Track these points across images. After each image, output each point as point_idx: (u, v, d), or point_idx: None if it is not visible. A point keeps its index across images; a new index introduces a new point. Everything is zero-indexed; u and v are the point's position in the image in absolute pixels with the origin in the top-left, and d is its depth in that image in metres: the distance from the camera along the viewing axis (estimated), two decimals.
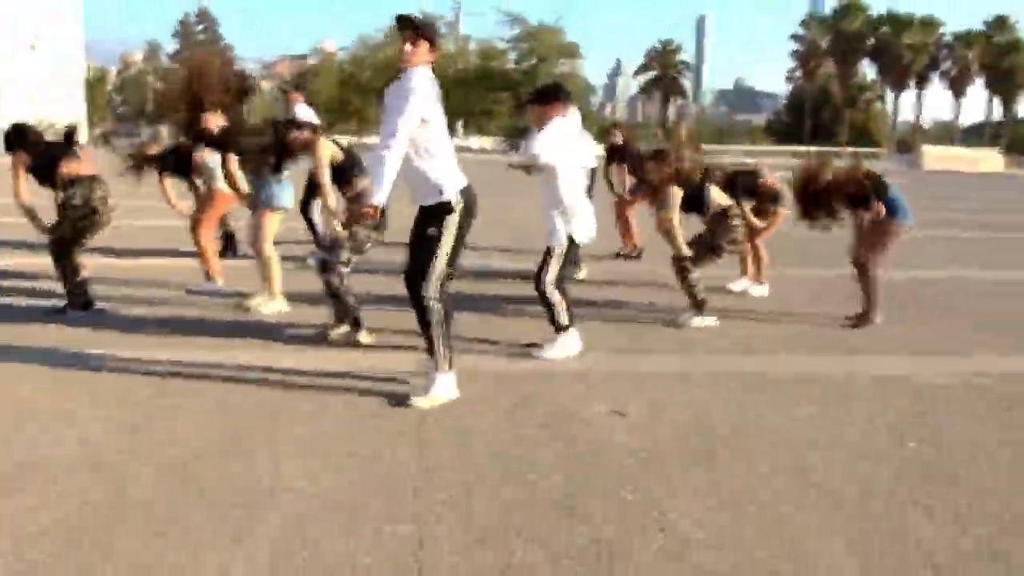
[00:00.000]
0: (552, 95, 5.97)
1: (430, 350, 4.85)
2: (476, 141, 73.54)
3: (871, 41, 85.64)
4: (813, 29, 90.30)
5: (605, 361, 5.86)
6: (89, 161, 6.89)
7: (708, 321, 7.03)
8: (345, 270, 6.09)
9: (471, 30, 76.94)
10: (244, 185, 7.46)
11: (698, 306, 7.08)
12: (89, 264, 7.07)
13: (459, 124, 77.59)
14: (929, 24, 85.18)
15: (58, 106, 63.39)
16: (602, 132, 12.38)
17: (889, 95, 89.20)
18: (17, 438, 4.17)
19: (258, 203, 7.21)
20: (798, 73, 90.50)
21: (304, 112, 9.95)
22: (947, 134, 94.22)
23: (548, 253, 5.97)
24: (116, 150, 8.58)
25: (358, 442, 4.19)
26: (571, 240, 5.95)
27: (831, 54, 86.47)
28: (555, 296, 5.93)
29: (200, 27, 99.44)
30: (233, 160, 7.32)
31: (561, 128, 5.85)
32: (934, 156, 62.38)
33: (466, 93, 71.40)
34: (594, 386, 5.25)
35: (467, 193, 4.79)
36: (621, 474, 3.90)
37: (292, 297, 7.23)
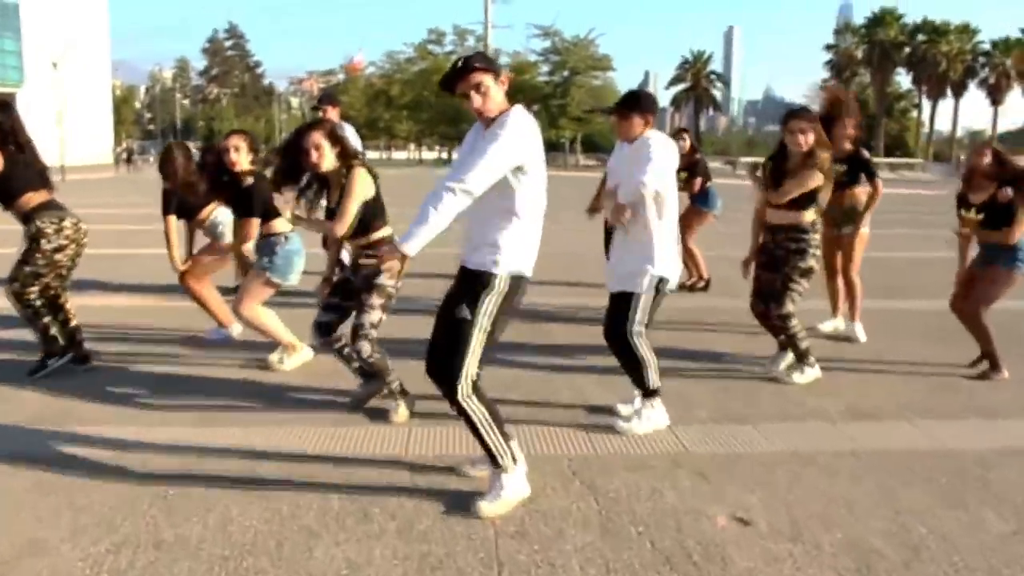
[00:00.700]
0: (649, 104, 4.90)
1: (483, 447, 3.79)
2: None
3: (906, 50, 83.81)
4: (847, 38, 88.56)
5: (702, 437, 4.77)
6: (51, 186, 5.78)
7: (811, 373, 5.94)
8: (374, 333, 5.02)
9: (499, 43, 76.11)
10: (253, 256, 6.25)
11: (801, 357, 5.98)
12: (75, 304, 6.07)
13: None
14: (965, 31, 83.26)
15: (84, 124, 63.37)
16: None
17: (926, 104, 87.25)
18: None
19: (257, 266, 6.09)
20: (833, 83, 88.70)
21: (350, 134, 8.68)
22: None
23: (630, 298, 4.85)
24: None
25: None
26: (659, 285, 4.88)
27: (866, 63, 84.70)
28: (643, 348, 4.86)
29: (229, 43, 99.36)
30: (252, 225, 6.07)
31: (663, 147, 4.81)
32: None
33: None
34: (699, 475, 4.19)
35: (519, 281, 3.75)
36: None
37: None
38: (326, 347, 5.18)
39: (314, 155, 4.98)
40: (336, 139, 5.08)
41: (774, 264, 5.91)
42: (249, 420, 4.95)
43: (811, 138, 5.68)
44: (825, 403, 5.44)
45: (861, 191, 7.18)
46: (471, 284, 3.68)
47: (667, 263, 4.86)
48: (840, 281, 7.44)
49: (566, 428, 4.88)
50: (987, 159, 6.14)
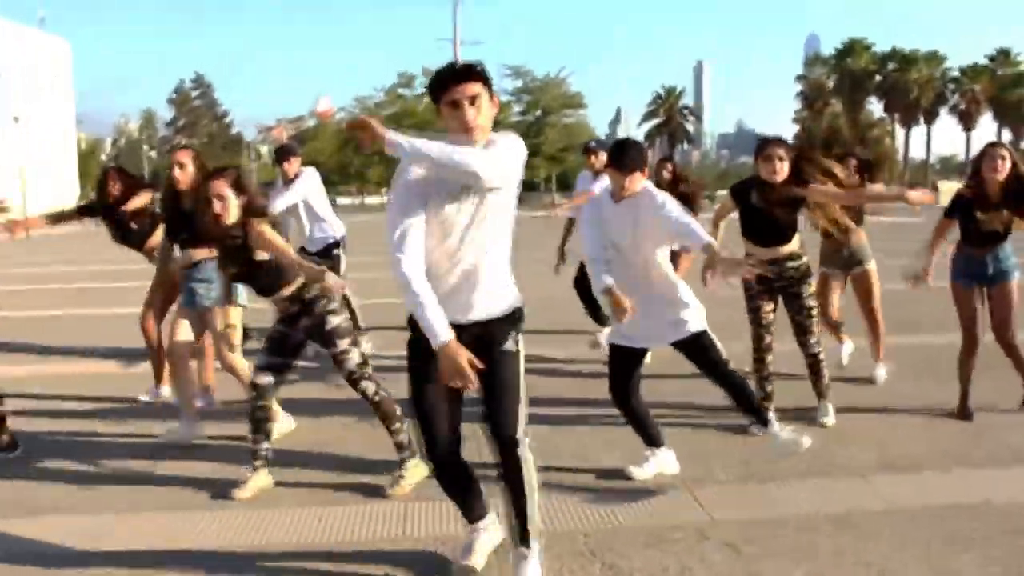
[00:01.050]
0: (645, 156, 4.56)
1: (520, 517, 3.31)
2: None
3: (877, 78, 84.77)
4: (818, 69, 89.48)
5: (726, 501, 4.34)
6: None
7: (831, 417, 5.64)
8: (368, 370, 4.64)
9: None
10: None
11: (825, 390, 5.71)
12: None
13: None
14: (934, 59, 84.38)
15: (49, 179, 62.68)
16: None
17: (899, 131, 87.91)
18: None
19: (208, 302, 5.67)
20: (805, 113, 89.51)
21: (308, 179, 8.02)
22: (954, 168, 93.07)
23: (700, 338, 4.61)
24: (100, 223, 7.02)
25: None
26: None
27: (838, 92, 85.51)
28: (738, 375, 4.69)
29: (196, 92, 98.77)
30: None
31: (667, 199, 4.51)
32: (949, 191, 60.99)
33: None
34: (730, 547, 3.76)
35: None
36: None
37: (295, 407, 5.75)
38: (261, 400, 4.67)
39: (217, 206, 4.54)
40: (242, 190, 4.65)
41: (773, 297, 5.64)
42: (225, 504, 4.46)
43: (786, 168, 5.33)
44: (852, 453, 5.05)
45: (862, 230, 6.96)
46: (503, 325, 3.31)
47: None
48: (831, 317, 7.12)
49: (575, 497, 4.44)
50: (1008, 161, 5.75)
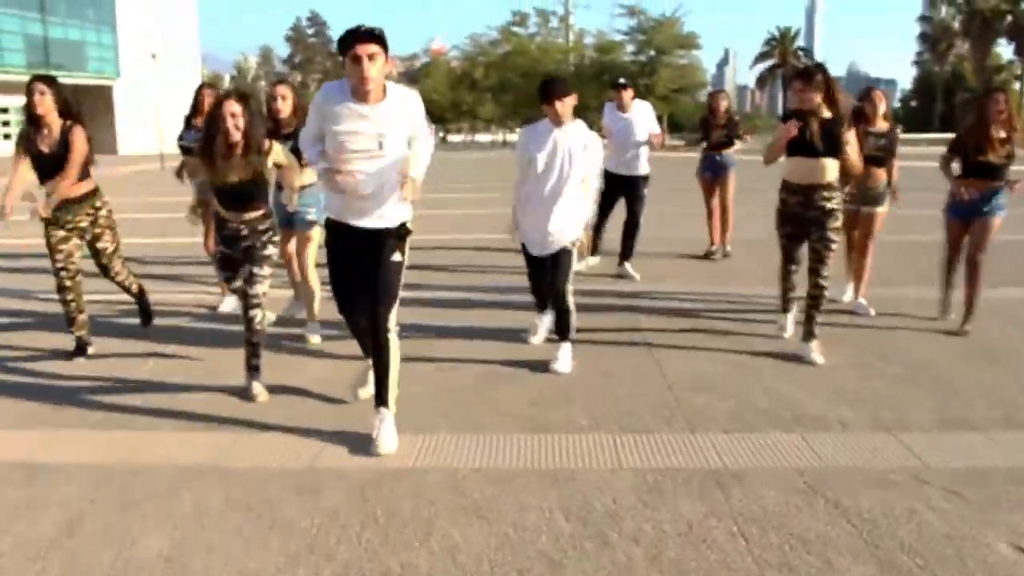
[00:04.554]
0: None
1: (380, 384, 4.35)
2: None
3: (1009, 19, 79.94)
4: (943, 9, 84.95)
5: (933, 447, 4.31)
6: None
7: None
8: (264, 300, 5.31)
9: (580, 22, 75.55)
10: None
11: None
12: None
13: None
14: None
15: (175, 114, 64.74)
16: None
17: None
18: None
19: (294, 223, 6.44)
20: (926, 56, 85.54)
21: None
22: None
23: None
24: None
25: None
26: None
27: (964, 34, 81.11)
28: None
29: (311, 31, 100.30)
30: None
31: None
32: None
33: (581, 88, 69.47)
34: (954, 494, 3.75)
35: None
36: None
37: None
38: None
39: (230, 121, 4.93)
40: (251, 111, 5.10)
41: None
42: (435, 426, 4.66)
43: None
44: None
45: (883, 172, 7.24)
46: (395, 236, 4.31)
47: None
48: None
49: (785, 435, 4.49)
50: None
